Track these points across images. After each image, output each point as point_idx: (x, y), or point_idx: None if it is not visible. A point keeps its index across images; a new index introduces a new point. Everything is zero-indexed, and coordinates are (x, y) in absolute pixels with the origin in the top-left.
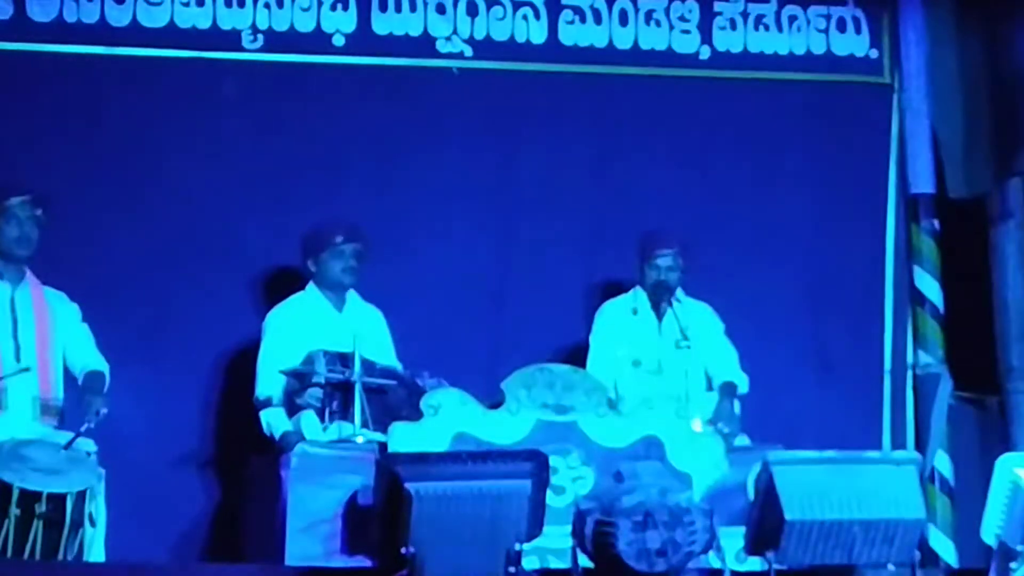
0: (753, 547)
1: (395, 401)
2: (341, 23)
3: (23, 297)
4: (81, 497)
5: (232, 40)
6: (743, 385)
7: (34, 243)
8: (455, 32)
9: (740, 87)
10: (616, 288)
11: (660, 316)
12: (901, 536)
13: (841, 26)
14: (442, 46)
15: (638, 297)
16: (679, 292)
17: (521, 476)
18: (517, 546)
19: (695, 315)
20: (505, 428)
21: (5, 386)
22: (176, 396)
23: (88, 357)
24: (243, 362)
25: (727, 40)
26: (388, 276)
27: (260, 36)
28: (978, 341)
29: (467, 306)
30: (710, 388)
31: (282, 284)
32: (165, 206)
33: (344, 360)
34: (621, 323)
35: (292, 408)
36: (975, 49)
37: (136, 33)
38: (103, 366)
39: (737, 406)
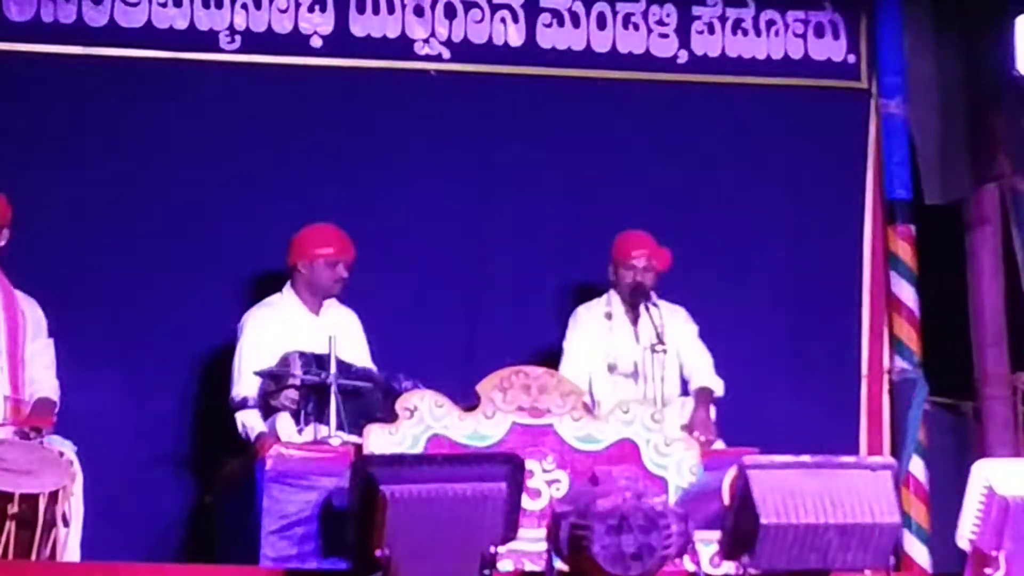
0: (728, 551)
1: (371, 403)
2: (319, 24)
3: None
4: (54, 497)
5: (209, 41)
6: (719, 389)
7: None
8: (433, 34)
9: (718, 91)
10: (592, 291)
11: (635, 320)
12: (876, 541)
13: (819, 31)
14: (420, 48)
15: (612, 301)
16: (653, 295)
17: (496, 479)
18: (492, 549)
19: (669, 318)
20: (480, 431)
21: None
22: (152, 397)
23: (41, 382)
24: (219, 363)
25: (705, 44)
26: (364, 278)
27: (237, 37)
28: (954, 347)
29: (442, 308)
30: (686, 392)
31: (260, 285)
32: (143, 206)
33: (320, 362)
34: (595, 327)
35: (268, 410)
36: (952, 55)
37: (113, 33)
38: (53, 391)
39: (712, 411)
